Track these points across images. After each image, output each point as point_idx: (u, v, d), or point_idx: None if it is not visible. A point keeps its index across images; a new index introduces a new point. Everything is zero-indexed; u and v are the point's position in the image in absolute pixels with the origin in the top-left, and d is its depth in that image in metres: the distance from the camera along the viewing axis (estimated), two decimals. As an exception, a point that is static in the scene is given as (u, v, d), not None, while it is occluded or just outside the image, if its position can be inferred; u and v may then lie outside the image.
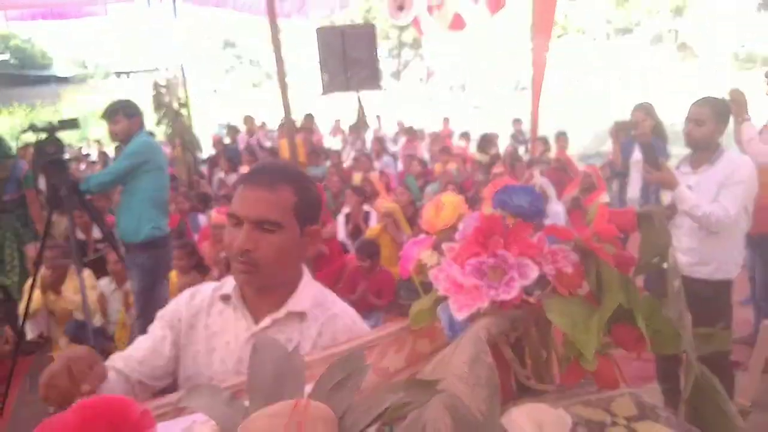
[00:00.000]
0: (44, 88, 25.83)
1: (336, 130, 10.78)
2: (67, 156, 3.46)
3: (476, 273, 0.92)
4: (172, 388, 1.24)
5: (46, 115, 21.95)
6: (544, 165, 6.55)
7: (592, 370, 0.85)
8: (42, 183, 4.25)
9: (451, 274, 0.93)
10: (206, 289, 1.28)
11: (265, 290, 1.19)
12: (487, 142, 8.01)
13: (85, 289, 3.27)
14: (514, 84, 18.16)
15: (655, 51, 17.70)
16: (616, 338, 0.93)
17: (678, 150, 3.06)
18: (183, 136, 6.89)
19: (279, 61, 4.19)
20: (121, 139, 3.54)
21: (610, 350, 0.92)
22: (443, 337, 1.06)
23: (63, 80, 29.02)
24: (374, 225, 5.08)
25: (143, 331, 3.39)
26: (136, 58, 29.86)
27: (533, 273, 0.93)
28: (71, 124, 3.46)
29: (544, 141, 7.75)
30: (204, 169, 8.07)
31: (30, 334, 4.27)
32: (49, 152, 3.33)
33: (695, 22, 17.72)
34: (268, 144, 8.83)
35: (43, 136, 3.31)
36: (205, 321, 1.23)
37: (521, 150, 8.70)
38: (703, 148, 2.68)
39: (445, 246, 1.04)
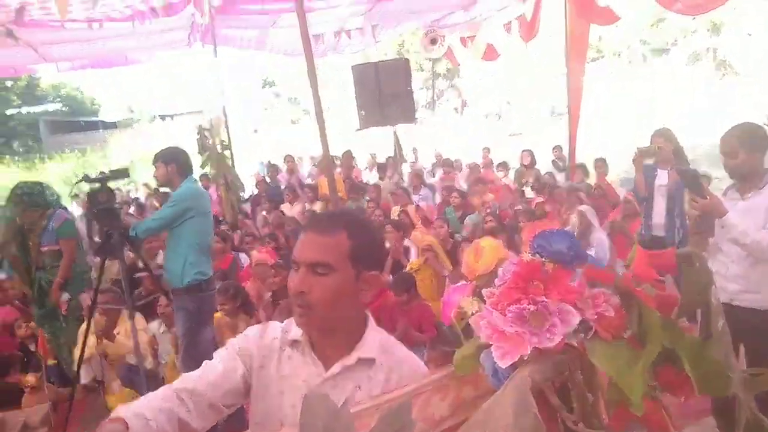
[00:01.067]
0: (93, 134, 27.01)
1: (372, 164, 10.91)
2: (117, 204, 3.62)
3: (518, 320, 0.93)
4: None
5: (96, 159, 22.93)
6: (584, 192, 6.47)
7: (639, 415, 0.85)
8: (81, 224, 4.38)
9: (493, 321, 0.95)
10: (275, 328, 1.30)
11: (329, 335, 1.22)
12: (525, 170, 8.00)
13: (136, 333, 3.38)
14: (550, 110, 18.06)
15: (694, 70, 17.38)
16: (663, 381, 0.92)
17: (722, 172, 2.99)
18: (226, 177, 7.10)
19: (317, 101, 4.30)
20: (163, 184, 3.70)
21: (657, 393, 0.91)
22: (488, 384, 1.07)
23: (111, 125, 30.31)
24: (414, 259, 5.09)
25: (190, 371, 3.44)
26: (180, 101, 31.00)
27: (574, 319, 0.94)
28: (122, 173, 3.64)
29: (583, 167, 7.66)
30: (247, 208, 8.26)
31: (84, 378, 4.39)
32: (101, 201, 3.49)
33: (734, 39, 17.36)
34: (308, 181, 9.00)
35: (96, 185, 3.49)
36: (276, 363, 1.26)
37: (561, 177, 8.60)
38: (746, 176, 2.62)
39: (485, 292, 1.05)
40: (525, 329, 0.92)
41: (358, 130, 8.96)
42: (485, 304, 0.98)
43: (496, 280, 1.03)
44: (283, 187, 8.46)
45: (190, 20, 7.84)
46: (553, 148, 9.40)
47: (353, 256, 1.17)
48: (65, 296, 4.22)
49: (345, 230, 1.18)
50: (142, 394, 3.52)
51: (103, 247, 3.56)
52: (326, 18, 8.54)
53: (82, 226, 5.62)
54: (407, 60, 9.32)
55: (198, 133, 7.69)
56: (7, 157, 24.10)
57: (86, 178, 3.53)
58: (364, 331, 1.25)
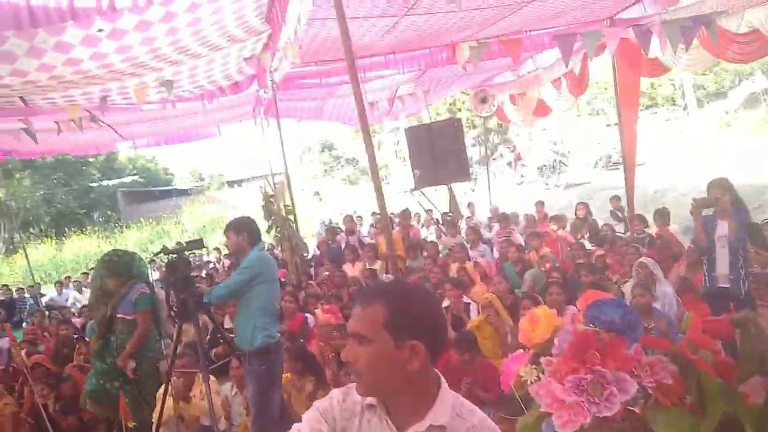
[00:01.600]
0: (167, 202, 28.53)
1: (429, 221, 11.01)
2: (194, 273, 3.86)
3: (576, 389, 0.99)
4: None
5: (170, 226, 24.14)
6: (646, 243, 6.31)
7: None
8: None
9: (551, 390, 1.01)
10: (356, 392, 1.35)
11: (396, 400, 1.28)
12: (581, 223, 7.89)
13: (211, 395, 3.53)
14: (605, 160, 17.80)
15: (751, 114, 16.81)
16: (725, 448, 0.94)
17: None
18: (291, 240, 7.36)
19: (373, 166, 4.43)
20: (234, 252, 3.91)
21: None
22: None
23: (183, 192, 31.98)
24: (475, 316, 5.08)
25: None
26: (246, 168, 32.44)
27: (632, 387, 0.98)
28: (197, 244, 3.90)
29: (641, 218, 7.49)
30: (311, 269, 8.48)
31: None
32: (178, 270, 3.75)
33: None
34: (367, 240, 9.17)
35: (173, 256, 3.75)
36: (357, 427, 1.33)
37: (620, 228, 8.42)
38: None
39: (543, 360, 1.11)
40: (584, 398, 0.97)
41: (413, 190, 9.15)
42: (543, 373, 1.04)
43: (553, 349, 1.09)
44: (343, 246, 8.65)
45: (254, 96, 8.35)
46: (611, 199, 9.25)
47: (390, 327, 1.23)
48: (132, 364, 4.35)
49: (382, 301, 1.25)
50: None
51: (180, 312, 3.78)
52: (380, 86, 8.92)
53: (160, 292, 5.94)
54: (459, 120, 9.55)
55: (263, 200, 8.06)
56: (89, 227, 25.79)
57: (165, 250, 3.80)
58: (437, 394, 1.29)
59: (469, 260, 6.90)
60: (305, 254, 8.40)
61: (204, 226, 23.22)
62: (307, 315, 5.99)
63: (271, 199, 7.94)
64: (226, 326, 5.69)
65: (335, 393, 1.39)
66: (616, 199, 9.05)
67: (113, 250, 4.83)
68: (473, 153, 19.49)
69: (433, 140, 8.69)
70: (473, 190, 16.31)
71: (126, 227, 25.04)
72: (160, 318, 4.76)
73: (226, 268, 10.07)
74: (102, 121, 6.99)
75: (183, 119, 8.98)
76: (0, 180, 23.09)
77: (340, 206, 23.71)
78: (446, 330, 1.30)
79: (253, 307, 3.69)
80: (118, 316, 4.39)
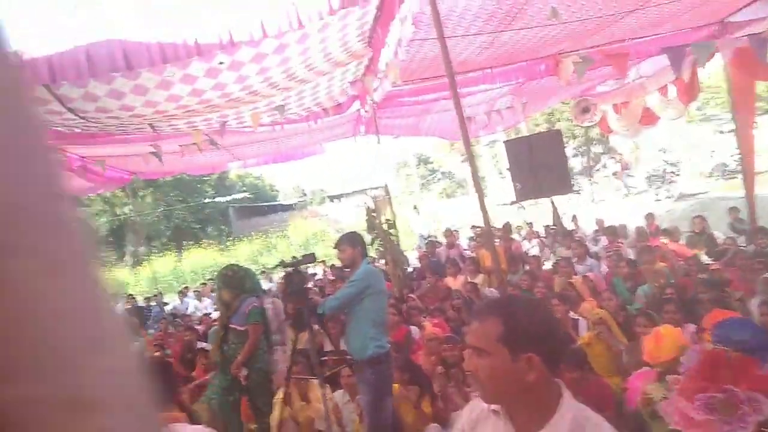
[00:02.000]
0: (274, 216, 30.06)
1: (531, 234, 10.80)
2: (309, 285, 4.09)
3: (706, 408, 1.00)
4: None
5: (277, 240, 25.38)
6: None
7: None
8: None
9: (681, 408, 1.02)
10: (481, 402, 1.47)
11: (518, 408, 1.36)
12: (698, 237, 7.42)
13: (327, 401, 3.71)
14: (720, 169, 16.56)
15: None
16: None
17: None
18: (392, 254, 7.53)
19: (476, 181, 4.47)
20: (347, 265, 4.10)
21: None
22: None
23: (288, 207, 33.52)
24: (585, 333, 4.94)
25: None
26: (346, 183, 33.42)
27: (767, 407, 0.98)
28: (310, 258, 4.14)
29: (765, 230, 6.92)
30: (412, 282, 8.61)
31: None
32: (294, 282, 3.99)
33: None
34: (468, 254, 9.17)
35: (289, 269, 4.01)
36: (482, 429, 1.44)
37: (741, 240, 7.83)
38: None
39: (669, 378, 1.12)
40: (715, 417, 0.98)
41: (514, 202, 9.03)
42: (670, 391, 1.05)
43: (680, 367, 1.09)
44: (443, 260, 8.70)
45: (355, 115, 8.66)
46: (729, 210, 8.63)
47: (505, 340, 1.30)
48: (243, 372, 4.64)
49: (497, 316, 1.33)
50: None
51: (296, 322, 4.02)
52: (477, 100, 8.93)
53: (276, 302, 6.29)
54: (559, 131, 9.33)
55: (367, 215, 8.31)
56: (204, 240, 27.69)
57: (282, 263, 4.06)
58: (557, 405, 1.33)
59: (576, 274, 6.71)
60: (406, 267, 8.54)
61: (308, 240, 24.17)
62: (411, 327, 6.10)
63: (373, 214, 8.17)
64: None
65: (465, 408, 1.52)
66: (734, 210, 8.44)
67: (229, 265, 5.14)
68: (574, 164, 18.88)
69: (533, 152, 8.55)
70: (575, 202, 15.78)
71: (238, 240, 26.61)
72: (269, 330, 5.06)
73: (330, 281, 10.44)
74: (218, 144, 7.55)
75: (290, 139, 9.47)
76: (126, 198, 25.48)
77: (437, 219, 23.80)
78: (565, 341, 1.37)
79: (363, 318, 3.84)
80: (231, 326, 4.68)
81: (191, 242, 27.85)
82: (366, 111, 8.17)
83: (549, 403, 1.33)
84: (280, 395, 4.97)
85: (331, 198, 35.44)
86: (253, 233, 26.56)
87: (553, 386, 1.35)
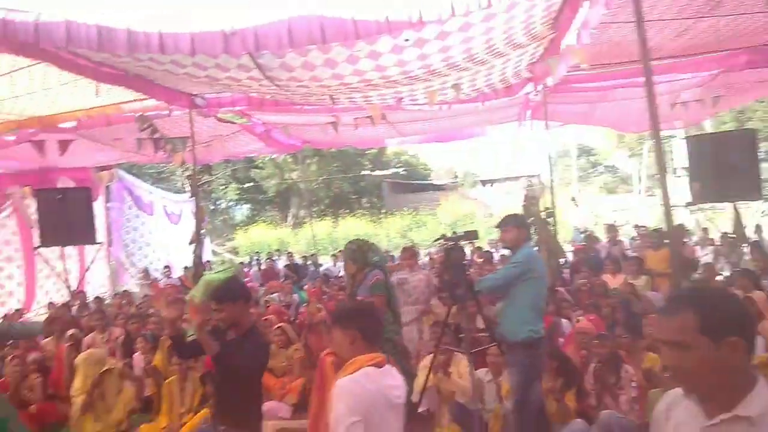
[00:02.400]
0: (424, 195, 30.62)
1: (705, 240, 9.90)
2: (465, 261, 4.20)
3: None
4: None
5: (426, 218, 25.90)
6: None
7: None
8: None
9: None
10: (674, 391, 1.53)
11: (711, 394, 1.37)
12: None
13: (474, 376, 3.83)
14: None
15: None
16: None
17: None
18: (548, 243, 7.37)
19: (662, 177, 4.14)
20: (509, 246, 4.12)
21: None
22: None
23: (439, 187, 33.89)
24: (762, 353, 4.50)
25: (519, 423, 3.72)
26: (500, 168, 32.96)
27: None
28: (472, 235, 4.24)
29: None
30: (565, 274, 8.38)
31: (421, 407, 5.03)
32: (453, 257, 4.13)
33: None
34: (631, 253, 8.68)
35: (450, 244, 4.15)
36: (675, 413, 1.49)
37: None
38: None
39: None
40: None
41: (689, 204, 8.31)
42: None
43: None
44: (603, 256, 8.34)
45: (524, 98, 8.51)
46: None
47: (706, 329, 1.32)
48: None
49: (691, 308, 1.34)
50: (465, 430, 3.90)
51: (450, 296, 4.17)
52: (660, 91, 8.28)
53: (426, 275, 6.49)
54: (754, 131, 8.35)
55: (524, 201, 8.19)
56: (358, 211, 29.10)
57: (444, 237, 4.22)
58: (752, 388, 1.35)
59: (760, 289, 6.08)
60: (561, 259, 8.31)
61: (457, 221, 24.31)
62: (560, 319, 5.98)
63: (533, 201, 8.03)
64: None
65: (661, 402, 1.57)
66: None
67: (355, 239, 5.32)
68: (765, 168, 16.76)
69: (720, 152, 7.75)
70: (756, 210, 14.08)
71: (390, 214, 27.57)
72: (394, 302, 5.12)
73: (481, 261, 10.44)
74: (388, 119, 7.89)
75: (454, 119, 9.58)
76: (294, 164, 27.51)
77: (595, 214, 22.59)
78: (755, 323, 1.37)
79: (520, 301, 3.87)
80: (358, 298, 4.84)
81: (347, 211, 29.37)
82: (535, 95, 8.00)
83: (744, 386, 1.35)
84: (426, 363, 5.18)
85: (483, 182, 35.11)
86: (404, 208, 27.33)
87: (750, 369, 1.38)
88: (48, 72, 5.01)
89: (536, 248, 9.39)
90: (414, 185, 32.74)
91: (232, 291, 3.23)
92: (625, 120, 10.13)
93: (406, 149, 32.50)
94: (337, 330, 2.32)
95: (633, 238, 12.07)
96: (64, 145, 7.01)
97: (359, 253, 4.92)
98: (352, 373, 2.11)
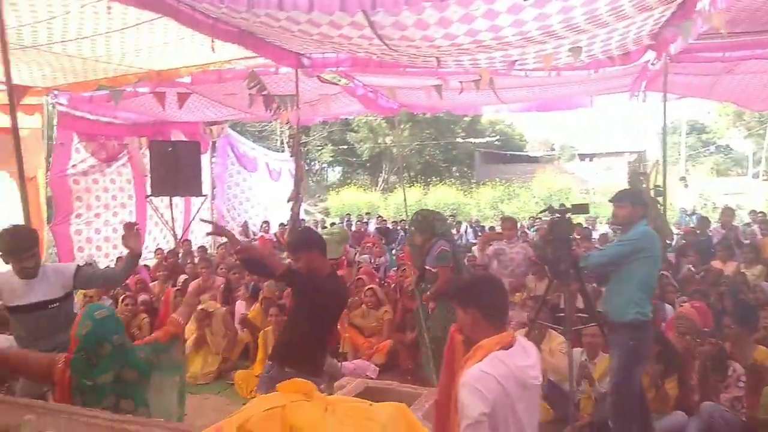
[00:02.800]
0: (518, 166, 29.83)
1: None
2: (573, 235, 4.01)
3: None
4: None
5: (519, 190, 25.26)
6: None
7: None
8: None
9: None
10: None
11: None
12: None
13: (571, 355, 3.70)
14: None
15: None
16: None
17: None
18: (657, 223, 6.94)
19: None
20: (622, 223, 3.89)
21: None
22: None
23: (533, 159, 32.89)
24: None
25: (617, 408, 3.55)
26: (601, 142, 31.39)
27: None
28: (582, 209, 4.03)
29: None
30: (671, 257, 7.89)
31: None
32: (558, 231, 3.94)
33: None
34: (745, 241, 8.03)
35: (556, 216, 3.97)
36: None
37: None
38: None
39: None
40: None
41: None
42: None
43: None
44: (715, 241, 7.76)
45: (641, 68, 7.93)
46: None
47: None
48: (432, 304, 4.79)
49: None
50: (555, 411, 3.82)
51: (552, 272, 4.01)
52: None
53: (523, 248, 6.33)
54: None
55: (630, 176, 7.75)
56: (448, 179, 28.85)
57: (550, 209, 4.04)
58: None
59: None
60: (669, 241, 7.83)
61: (551, 195, 23.54)
62: (663, 303, 5.66)
63: (641, 177, 7.58)
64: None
65: None
66: None
67: (421, 209, 5.29)
68: None
69: None
70: None
71: (482, 184, 27.12)
72: (460, 271, 5.01)
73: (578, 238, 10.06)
74: (493, 84, 7.62)
75: (561, 87, 9.12)
76: (388, 129, 27.60)
77: (704, 196, 21.12)
78: None
79: (629, 280, 3.66)
80: (426, 267, 4.85)
81: (437, 179, 29.21)
82: (653, 65, 7.45)
83: None
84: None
85: (582, 156, 33.63)
86: (496, 179, 26.77)
87: None
88: (168, 27, 5.24)
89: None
90: (508, 156, 31.95)
91: (306, 241, 3.49)
92: (751, 96, 9.25)
93: (502, 118, 31.67)
94: (458, 308, 2.21)
95: (747, 224, 11.16)
96: (182, 98, 7.36)
97: (426, 223, 4.89)
98: (479, 361, 1.97)
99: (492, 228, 13.62)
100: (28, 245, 3.22)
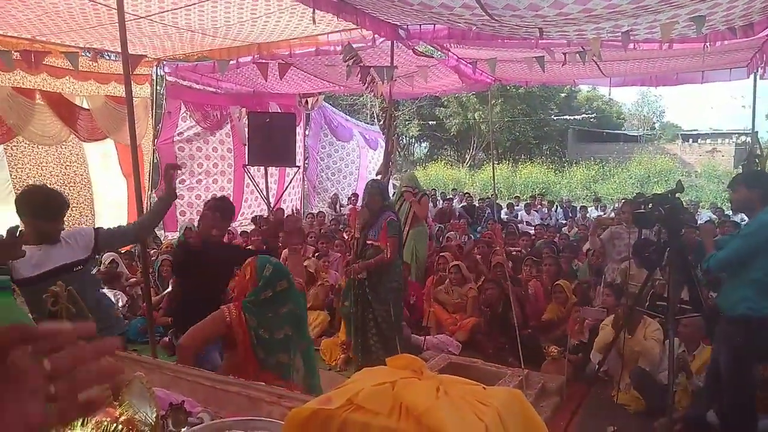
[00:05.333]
0: (614, 145, 28.34)
1: None
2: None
3: None
4: None
5: (615, 170, 24.05)
6: None
7: None
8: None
9: None
10: None
11: None
12: None
13: (667, 345, 3.48)
14: None
15: None
16: None
17: None
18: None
19: None
20: (738, 208, 3.57)
21: None
22: None
23: (631, 138, 31.15)
24: None
25: (727, 405, 3.30)
26: (707, 122, 29.18)
27: None
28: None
29: None
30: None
31: (596, 366, 4.78)
32: (672, 216, 3.65)
33: None
34: None
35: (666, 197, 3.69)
36: None
37: None
38: None
39: None
40: None
41: None
42: None
43: None
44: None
45: (762, 41, 7.22)
46: None
47: None
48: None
49: None
50: (647, 401, 3.62)
51: (660, 259, 3.76)
52: None
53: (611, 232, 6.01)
54: None
55: (746, 159, 7.16)
56: (537, 157, 27.96)
57: (637, 197, 3.76)
58: None
59: None
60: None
61: (650, 176, 22.25)
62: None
63: (757, 160, 6.99)
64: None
65: None
66: None
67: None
68: None
69: None
70: None
71: (574, 163, 26.05)
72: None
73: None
74: (597, 59, 7.22)
75: (670, 61, 8.50)
76: (478, 104, 27.03)
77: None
78: None
79: (746, 273, 3.38)
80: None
81: (526, 156, 28.37)
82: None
83: None
84: (607, 321, 4.88)
85: (685, 136, 31.41)
86: (590, 158, 25.58)
87: None
88: (270, -1, 5.35)
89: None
90: (603, 134, 30.44)
91: None
92: None
93: (600, 94, 30.16)
94: None
95: None
96: (283, 69, 7.52)
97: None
98: None
99: (584, 209, 13.09)
100: (64, 206, 3.07)
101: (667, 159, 24.78)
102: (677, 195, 3.68)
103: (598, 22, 5.06)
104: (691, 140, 30.03)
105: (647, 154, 25.41)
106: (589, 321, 5.35)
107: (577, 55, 6.27)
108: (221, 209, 3.95)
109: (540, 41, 6.44)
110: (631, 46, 6.71)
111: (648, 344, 4.59)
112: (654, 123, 35.67)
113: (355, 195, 12.33)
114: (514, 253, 7.84)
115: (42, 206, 2.98)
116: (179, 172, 3.40)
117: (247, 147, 9.71)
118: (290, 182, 10.90)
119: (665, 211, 3.62)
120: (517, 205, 14.59)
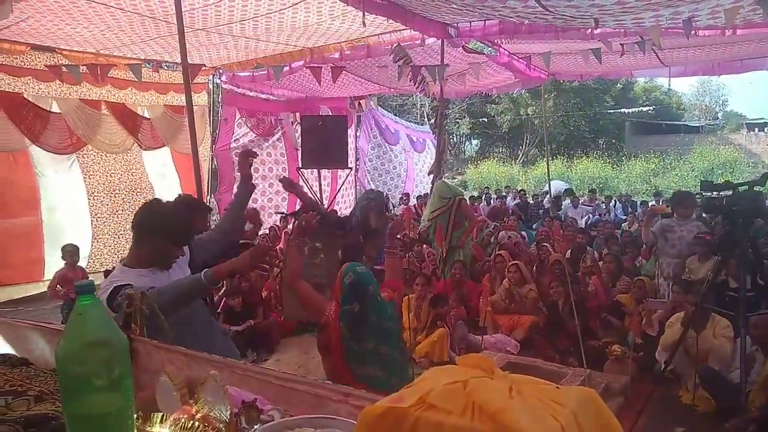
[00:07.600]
0: (674, 137, 27.19)
1: None
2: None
3: None
4: None
5: (676, 162, 23.11)
6: None
7: None
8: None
9: None
10: None
11: None
12: None
13: (737, 343, 3.32)
14: None
15: None
16: None
17: None
18: None
19: None
20: None
21: None
22: None
23: (693, 129, 29.88)
24: None
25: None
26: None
27: None
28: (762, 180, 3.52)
29: None
30: None
31: (663, 365, 4.60)
32: (743, 209, 3.48)
33: None
34: None
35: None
36: None
37: None
38: None
39: None
40: None
41: None
42: None
43: None
44: None
45: None
46: None
47: None
48: None
49: None
50: (717, 401, 3.45)
51: (728, 252, 3.61)
52: None
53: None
54: None
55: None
56: (593, 152, 27.19)
57: (704, 185, 3.60)
58: None
59: None
60: None
61: (713, 168, 21.27)
62: None
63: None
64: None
65: None
66: None
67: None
68: None
69: None
70: None
71: (632, 156, 25.18)
72: None
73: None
74: (659, 45, 6.96)
75: (733, 48, 8.11)
76: (530, 100, 26.55)
77: None
78: None
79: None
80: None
81: (581, 151, 27.66)
82: None
83: None
84: (674, 320, 4.71)
85: (750, 125, 29.85)
86: (650, 151, 24.65)
87: None
88: (322, 3, 5.42)
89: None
90: (662, 126, 29.30)
91: None
92: None
93: (658, 85, 29.07)
94: None
95: None
96: (336, 73, 7.61)
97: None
98: None
99: (644, 203, 12.63)
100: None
101: (732, 149, 23.59)
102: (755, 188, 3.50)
103: (656, 9, 4.88)
104: (757, 129, 28.51)
105: (710, 146, 24.26)
106: (658, 314, 5.18)
107: (636, 45, 6.06)
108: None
109: (595, 32, 6.29)
110: (692, 32, 6.46)
111: (718, 342, 4.40)
112: (717, 112, 34.15)
113: (407, 195, 12.36)
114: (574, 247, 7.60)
115: (194, 220, 2.93)
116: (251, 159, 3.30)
117: (300, 150, 9.89)
118: (342, 183, 11.03)
119: (747, 201, 3.44)
120: (565, 200, 14.17)
